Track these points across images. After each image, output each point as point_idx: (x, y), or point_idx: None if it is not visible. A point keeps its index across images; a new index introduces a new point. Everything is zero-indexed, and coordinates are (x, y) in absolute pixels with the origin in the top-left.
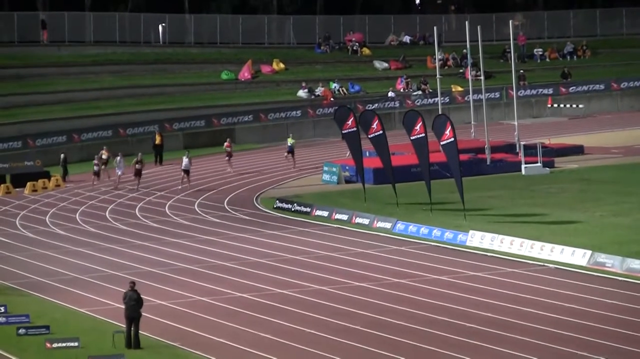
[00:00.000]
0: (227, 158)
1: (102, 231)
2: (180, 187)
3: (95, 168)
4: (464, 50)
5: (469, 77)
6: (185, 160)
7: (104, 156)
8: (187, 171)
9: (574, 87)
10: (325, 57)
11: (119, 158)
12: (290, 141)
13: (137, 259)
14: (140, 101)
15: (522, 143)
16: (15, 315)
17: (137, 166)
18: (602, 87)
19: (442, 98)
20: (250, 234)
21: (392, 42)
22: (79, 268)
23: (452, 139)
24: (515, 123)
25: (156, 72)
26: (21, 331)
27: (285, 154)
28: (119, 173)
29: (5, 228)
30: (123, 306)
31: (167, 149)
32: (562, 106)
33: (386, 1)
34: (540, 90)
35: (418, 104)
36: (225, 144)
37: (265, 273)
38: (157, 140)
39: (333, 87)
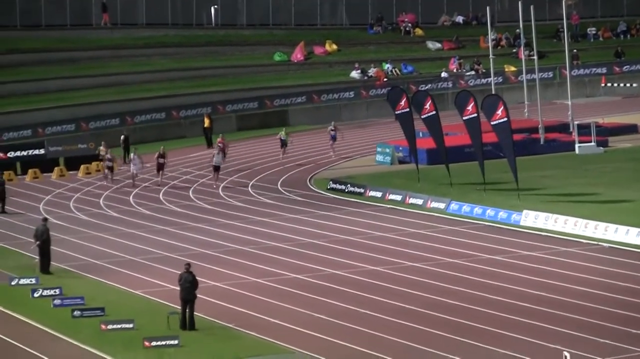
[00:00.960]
0: (217, 152)
1: (155, 213)
2: (214, 185)
3: (108, 163)
4: (517, 30)
5: (522, 57)
6: (216, 156)
7: (102, 153)
8: (217, 167)
9: (627, 66)
10: (378, 38)
11: (133, 154)
12: (283, 134)
13: (191, 240)
14: (193, 83)
15: (575, 123)
16: (70, 297)
17: (159, 159)
18: None
19: (495, 78)
20: (304, 216)
21: (444, 23)
22: (133, 250)
23: (505, 119)
24: (569, 102)
25: (208, 54)
26: (76, 313)
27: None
28: (134, 170)
29: (59, 211)
30: (178, 288)
31: (221, 131)
32: (615, 85)
33: None
34: (594, 69)
35: (471, 84)
36: (219, 139)
37: (319, 253)
38: (206, 123)
39: (386, 68)
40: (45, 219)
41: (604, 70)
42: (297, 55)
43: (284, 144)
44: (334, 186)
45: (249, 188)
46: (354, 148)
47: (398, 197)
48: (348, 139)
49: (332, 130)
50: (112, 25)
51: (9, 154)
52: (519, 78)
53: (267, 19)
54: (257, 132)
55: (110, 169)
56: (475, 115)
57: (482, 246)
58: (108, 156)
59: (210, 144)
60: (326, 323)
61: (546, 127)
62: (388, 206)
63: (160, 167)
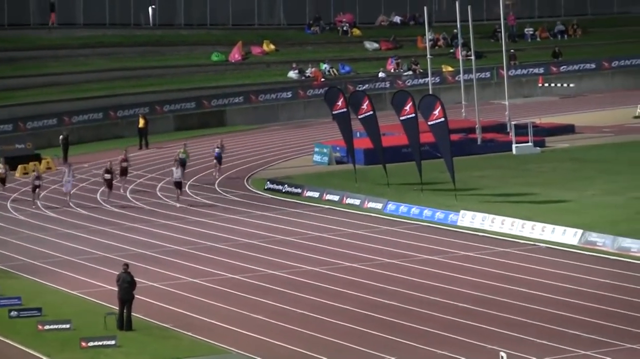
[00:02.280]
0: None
1: (93, 213)
2: (177, 205)
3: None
4: (455, 30)
5: (460, 57)
6: (176, 171)
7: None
8: (179, 183)
9: (564, 67)
10: (315, 38)
11: (66, 169)
12: (182, 154)
13: (128, 241)
14: (131, 83)
15: (513, 123)
16: (7, 298)
17: (122, 164)
18: (593, 66)
19: (432, 78)
20: (241, 216)
21: (382, 23)
22: (71, 250)
23: (442, 119)
24: (506, 103)
25: (146, 54)
26: (13, 313)
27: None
28: (68, 189)
29: None
30: (115, 288)
31: (158, 132)
32: (553, 85)
33: None
34: (531, 69)
35: (409, 84)
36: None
37: (256, 254)
38: (141, 123)
39: (323, 68)
40: None
41: (542, 70)
42: (235, 55)
43: (182, 163)
44: (271, 186)
45: (187, 188)
46: (291, 148)
47: (335, 198)
48: (286, 139)
49: (217, 148)
50: (43, 25)
51: None
52: (457, 78)
53: (205, 19)
54: (195, 133)
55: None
56: (413, 115)
57: (419, 246)
58: (35, 173)
59: (146, 145)
60: (263, 323)
61: (483, 128)
62: (325, 206)
63: (123, 172)
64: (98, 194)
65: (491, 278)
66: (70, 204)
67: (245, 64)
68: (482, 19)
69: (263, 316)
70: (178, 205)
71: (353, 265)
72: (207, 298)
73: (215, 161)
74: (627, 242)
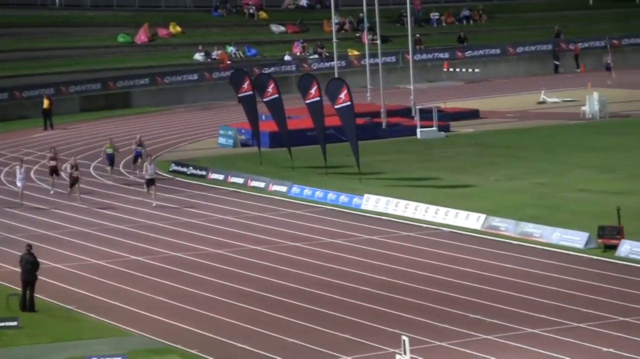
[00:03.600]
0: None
1: None
2: (153, 203)
3: None
4: (361, 14)
5: (366, 41)
6: (150, 167)
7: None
8: (152, 180)
9: (470, 52)
10: (222, 21)
11: (18, 167)
12: (108, 149)
13: (31, 222)
14: (36, 63)
15: (417, 107)
16: None
17: (74, 173)
18: (498, 51)
19: (338, 62)
20: (146, 198)
21: (289, 6)
22: None
23: (348, 102)
24: (411, 87)
25: (52, 35)
26: None
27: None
28: (21, 186)
29: None
30: (18, 269)
31: (64, 113)
32: (458, 70)
33: None
34: (437, 54)
35: (314, 67)
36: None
37: (160, 236)
38: (46, 104)
39: (229, 50)
40: None
41: (447, 55)
42: (141, 37)
43: (111, 160)
44: (176, 168)
45: (91, 169)
46: (197, 130)
47: (240, 180)
48: (192, 121)
49: (137, 146)
50: None
51: None
52: (362, 62)
53: (112, 1)
54: (101, 114)
55: None
56: (318, 98)
57: (323, 229)
58: None
59: (50, 126)
60: (166, 305)
61: (388, 112)
62: (230, 188)
63: (74, 181)
64: (1, 175)
65: (394, 261)
66: (23, 203)
67: (152, 45)
68: (388, 3)
69: (166, 298)
70: (154, 204)
71: (257, 248)
72: (110, 279)
73: (135, 159)
74: (530, 227)
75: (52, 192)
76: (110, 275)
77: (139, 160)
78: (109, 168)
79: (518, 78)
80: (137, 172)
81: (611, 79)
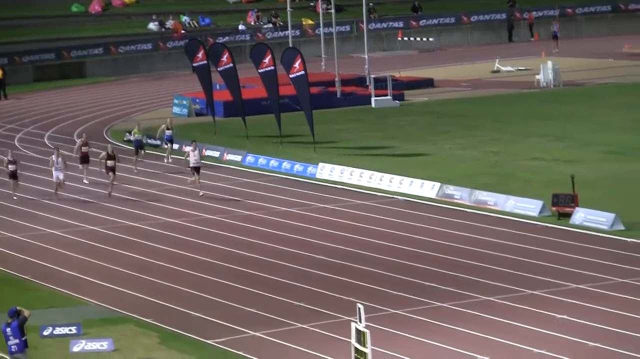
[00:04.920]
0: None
1: None
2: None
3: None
4: None
5: (320, 11)
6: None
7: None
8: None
9: (424, 21)
10: None
11: (54, 156)
12: (137, 134)
13: None
14: None
15: (372, 76)
16: None
17: (108, 162)
18: (452, 20)
19: (292, 31)
20: (100, 167)
21: None
22: None
23: (302, 72)
24: (366, 56)
25: (5, 4)
26: None
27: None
28: (60, 176)
29: None
30: None
31: (17, 83)
32: (412, 39)
33: None
34: (391, 23)
35: (269, 37)
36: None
37: (115, 206)
38: None
39: (184, 20)
40: None
41: (401, 24)
42: (95, 6)
43: (139, 145)
44: (130, 137)
45: (45, 139)
46: (151, 100)
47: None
48: (146, 90)
49: (167, 129)
50: None
51: None
52: (317, 31)
53: None
54: (55, 84)
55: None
56: (272, 68)
57: (277, 198)
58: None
59: (4, 97)
60: (122, 275)
61: (343, 81)
62: (184, 158)
63: (111, 169)
64: None
65: (349, 230)
66: (58, 194)
67: (105, 15)
68: None
69: (122, 268)
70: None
71: (212, 217)
72: (66, 249)
73: (168, 144)
74: (484, 196)
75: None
76: (66, 245)
77: (169, 145)
78: (135, 156)
79: (472, 47)
80: (165, 159)
81: (558, 47)
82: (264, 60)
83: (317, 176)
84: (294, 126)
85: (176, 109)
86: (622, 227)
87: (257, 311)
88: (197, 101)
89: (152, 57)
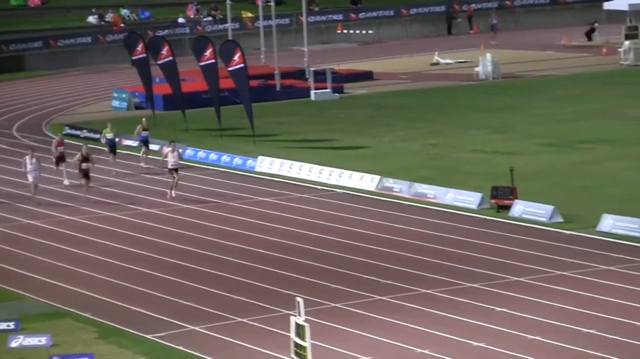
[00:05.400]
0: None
1: None
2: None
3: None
4: None
5: (259, 3)
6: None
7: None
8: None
9: (363, 13)
10: None
11: (28, 157)
12: (108, 134)
13: None
14: None
15: (311, 69)
16: None
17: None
18: (391, 13)
19: (232, 24)
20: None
21: None
22: None
23: (242, 65)
24: (305, 49)
25: None
26: None
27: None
28: (33, 178)
29: None
30: None
31: None
32: (351, 31)
33: None
34: (330, 16)
35: (208, 30)
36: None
37: (52, 199)
38: None
39: (123, 13)
40: None
41: (340, 17)
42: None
43: (112, 144)
44: (70, 131)
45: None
46: (90, 93)
47: (134, 143)
48: (85, 84)
49: (144, 130)
50: None
51: None
52: (256, 24)
53: None
54: None
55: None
56: (213, 61)
57: (217, 191)
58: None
59: None
60: (60, 269)
61: (282, 74)
62: (124, 151)
63: (85, 174)
64: None
65: (288, 223)
66: (35, 198)
67: (45, 8)
68: None
69: (60, 262)
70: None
71: (151, 211)
72: (3, 244)
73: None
74: (423, 188)
75: None
76: (3, 239)
77: (144, 147)
78: (111, 156)
79: (411, 39)
80: (142, 161)
81: (495, 39)
82: (205, 53)
83: (257, 169)
84: (233, 119)
85: (115, 103)
86: (560, 220)
87: (197, 305)
88: (137, 94)
89: (92, 50)
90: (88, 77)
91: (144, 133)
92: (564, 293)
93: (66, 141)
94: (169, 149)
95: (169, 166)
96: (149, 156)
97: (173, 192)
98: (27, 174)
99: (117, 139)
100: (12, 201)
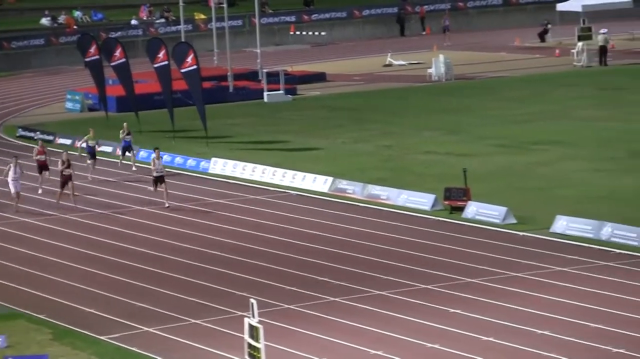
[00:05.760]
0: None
1: None
2: (166, 204)
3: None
4: None
5: (212, 5)
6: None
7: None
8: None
9: (316, 15)
10: None
11: (11, 165)
12: (91, 141)
13: None
14: None
15: (264, 71)
16: None
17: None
18: (344, 14)
19: (185, 26)
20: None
21: None
22: None
23: (195, 66)
24: (258, 50)
25: None
26: None
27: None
28: (16, 188)
29: None
30: None
31: None
32: (304, 33)
33: None
34: (283, 17)
35: (161, 32)
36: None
37: (5, 201)
38: None
39: (76, 15)
40: None
41: (293, 18)
42: None
43: (91, 152)
44: (23, 133)
45: None
46: (44, 95)
47: (108, 149)
48: (39, 86)
49: (127, 135)
50: None
51: None
52: (209, 26)
53: None
54: None
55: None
56: (166, 62)
57: (170, 193)
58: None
59: None
60: (13, 271)
61: (235, 75)
62: (77, 153)
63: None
64: None
65: (242, 224)
66: (18, 207)
67: None
68: None
69: (13, 264)
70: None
71: (104, 212)
72: None
73: (124, 152)
74: (376, 190)
75: None
76: None
77: (128, 153)
78: (90, 161)
79: (364, 41)
80: (133, 166)
81: (448, 40)
82: (159, 55)
83: (210, 171)
84: (186, 120)
85: (69, 104)
86: (514, 221)
87: (150, 307)
88: (90, 96)
89: (45, 52)
90: (41, 78)
91: (127, 138)
92: (518, 294)
93: (20, 142)
94: (154, 155)
95: (154, 174)
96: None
97: (166, 203)
98: (10, 183)
99: (97, 147)
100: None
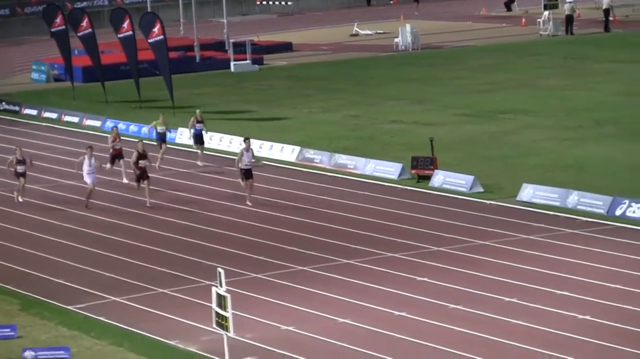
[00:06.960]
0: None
1: None
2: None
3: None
4: None
5: None
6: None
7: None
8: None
9: None
10: None
11: (85, 157)
12: (160, 126)
13: None
14: None
15: (231, 40)
16: None
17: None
18: None
19: None
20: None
21: None
22: None
23: (161, 36)
24: (225, 20)
25: None
26: None
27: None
28: (92, 182)
29: None
30: None
31: None
32: (271, 3)
33: None
34: None
35: (127, 2)
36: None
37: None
38: None
39: None
40: None
41: None
42: None
43: (163, 138)
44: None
45: None
46: (10, 66)
47: (54, 115)
48: (4, 56)
49: (197, 122)
50: None
51: None
52: None
53: None
54: None
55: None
56: (131, 33)
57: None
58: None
59: None
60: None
61: (202, 45)
62: (44, 124)
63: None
64: None
65: (209, 194)
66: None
67: None
68: None
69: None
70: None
71: (71, 183)
72: None
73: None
74: (343, 159)
75: None
76: None
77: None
78: (161, 150)
79: (331, 10)
80: (199, 160)
81: (417, 10)
82: (123, 25)
83: (177, 141)
84: (153, 90)
85: (35, 75)
86: (481, 190)
87: (118, 277)
88: (56, 66)
89: (10, 22)
90: (7, 49)
91: (198, 126)
92: (484, 262)
93: None
94: (243, 147)
95: (243, 166)
96: (205, 152)
97: (248, 202)
98: (85, 176)
99: (168, 132)
100: None
